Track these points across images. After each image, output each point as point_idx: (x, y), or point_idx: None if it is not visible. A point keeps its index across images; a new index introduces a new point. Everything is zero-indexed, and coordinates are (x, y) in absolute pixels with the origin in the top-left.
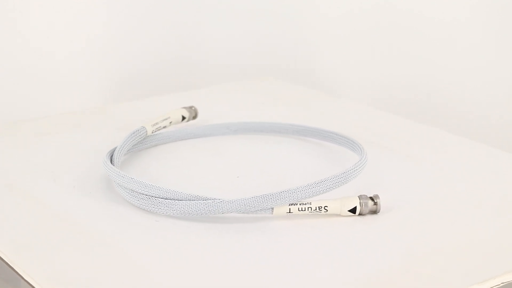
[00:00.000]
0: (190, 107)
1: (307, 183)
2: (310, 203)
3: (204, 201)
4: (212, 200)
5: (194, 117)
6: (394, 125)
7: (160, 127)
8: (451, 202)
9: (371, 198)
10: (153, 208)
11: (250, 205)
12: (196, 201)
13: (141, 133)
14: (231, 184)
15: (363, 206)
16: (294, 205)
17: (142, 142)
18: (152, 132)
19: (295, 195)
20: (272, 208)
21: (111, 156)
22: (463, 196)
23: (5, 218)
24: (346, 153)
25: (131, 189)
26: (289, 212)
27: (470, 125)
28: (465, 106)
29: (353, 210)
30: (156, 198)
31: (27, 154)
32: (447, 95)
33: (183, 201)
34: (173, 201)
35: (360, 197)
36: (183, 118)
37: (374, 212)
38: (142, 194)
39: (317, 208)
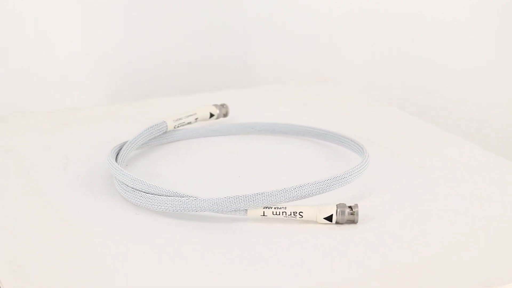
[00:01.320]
0: (222, 105)
1: (284, 187)
2: (285, 208)
3: (180, 198)
4: (187, 198)
5: (225, 115)
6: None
7: (183, 122)
8: (443, 214)
9: (350, 207)
10: (135, 200)
11: (224, 205)
12: (172, 197)
13: (161, 127)
14: (229, 183)
15: (340, 214)
16: (269, 208)
17: (162, 137)
18: (174, 128)
19: (269, 199)
20: (246, 210)
21: (121, 148)
22: (456, 208)
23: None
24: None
25: (119, 180)
26: (263, 215)
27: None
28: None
29: (329, 218)
30: (138, 191)
31: (45, 141)
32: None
33: (161, 196)
34: (153, 195)
35: (338, 205)
36: (211, 115)
37: (352, 221)
38: (128, 186)
39: (292, 213)
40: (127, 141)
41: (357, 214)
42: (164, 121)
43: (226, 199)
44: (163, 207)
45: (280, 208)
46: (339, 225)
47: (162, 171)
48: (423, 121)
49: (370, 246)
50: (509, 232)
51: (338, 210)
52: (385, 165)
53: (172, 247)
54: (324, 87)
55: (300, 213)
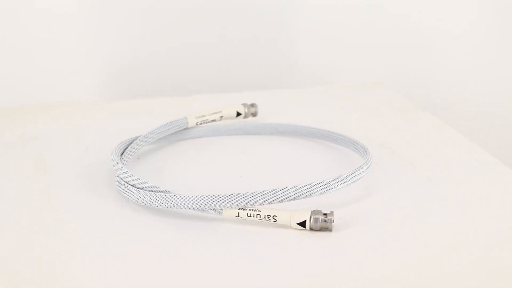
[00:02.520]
0: (251, 104)
1: (260, 190)
2: (260, 211)
3: (161, 194)
4: (166, 194)
5: (254, 115)
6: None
7: (207, 120)
8: (426, 229)
9: (325, 214)
10: (124, 192)
11: (200, 203)
12: (155, 193)
13: (181, 123)
14: (228, 183)
15: (313, 221)
16: (244, 210)
17: (182, 133)
18: (196, 124)
19: (243, 200)
20: (222, 210)
21: (132, 141)
22: (448, 223)
23: None
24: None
25: (116, 173)
26: (238, 216)
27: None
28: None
29: (302, 224)
30: (127, 184)
31: (72, 131)
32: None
33: (145, 191)
34: (138, 189)
35: (312, 211)
36: (238, 114)
37: (326, 229)
38: (120, 178)
39: (266, 217)
40: (140, 135)
41: (331, 222)
42: (186, 117)
43: (201, 197)
44: (145, 201)
45: (255, 211)
46: (313, 232)
47: (167, 166)
48: (455, 130)
49: (335, 256)
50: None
51: (311, 217)
52: (388, 174)
53: (145, 242)
54: (369, 91)
55: (274, 217)
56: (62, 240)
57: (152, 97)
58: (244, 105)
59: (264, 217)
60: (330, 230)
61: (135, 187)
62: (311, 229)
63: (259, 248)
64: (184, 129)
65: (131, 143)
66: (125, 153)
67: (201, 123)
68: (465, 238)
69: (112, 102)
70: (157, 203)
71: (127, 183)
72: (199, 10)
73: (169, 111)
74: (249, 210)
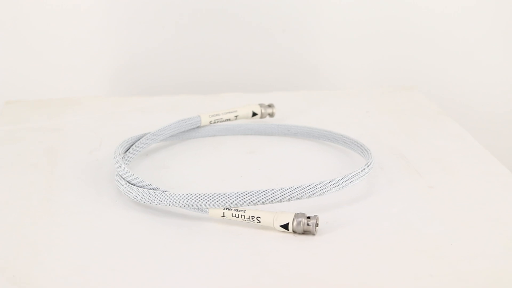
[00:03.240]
0: (269, 105)
1: (245, 190)
2: (245, 211)
3: (151, 190)
4: (156, 191)
5: (271, 115)
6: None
7: (221, 119)
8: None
9: (308, 218)
10: (120, 187)
11: (186, 201)
12: (146, 189)
13: (193, 121)
14: (228, 182)
15: (295, 224)
16: (229, 210)
17: (195, 131)
18: (210, 123)
19: (228, 200)
20: (208, 209)
21: (141, 137)
22: (433, 237)
23: None
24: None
25: (116, 171)
26: (223, 216)
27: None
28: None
29: (285, 226)
30: (122, 179)
31: (94, 125)
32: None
33: (137, 187)
34: (130, 185)
35: (296, 214)
36: (254, 114)
37: (309, 232)
38: (118, 174)
39: (250, 217)
40: (149, 132)
41: (314, 226)
42: (199, 116)
43: (188, 196)
44: (136, 197)
45: (239, 211)
46: (296, 235)
47: (173, 164)
48: (475, 139)
49: (312, 260)
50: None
51: (294, 220)
52: (391, 180)
53: (125, 237)
54: (399, 96)
55: (258, 218)
56: (45, 229)
57: (178, 94)
58: (261, 105)
59: (248, 218)
60: (313, 234)
61: (129, 182)
62: (294, 232)
63: (238, 249)
64: (197, 127)
65: (139, 139)
66: (131, 149)
67: (215, 122)
68: (450, 249)
69: (136, 97)
70: (147, 200)
71: (123, 178)
72: (224, 11)
73: (191, 109)
74: (234, 210)
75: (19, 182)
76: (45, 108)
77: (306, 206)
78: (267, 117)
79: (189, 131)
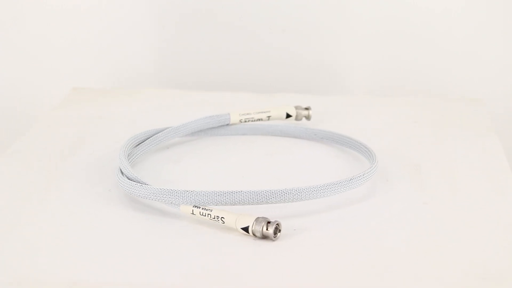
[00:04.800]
0: (305, 108)
1: (214, 190)
2: (211, 211)
3: (135, 183)
4: (138, 184)
5: (307, 118)
6: None
7: (252, 118)
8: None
9: (269, 222)
10: (116, 177)
11: (160, 196)
12: (132, 181)
13: (221, 118)
14: (228, 182)
15: (255, 227)
16: (198, 207)
17: (224, 128)
18: (240, 122)
19: (198, 198)
20: (179, 205)
21: (160, 132)
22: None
23: None
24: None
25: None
26: (193, 213)
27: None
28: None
29: (246, 229)
30: (119, 170)
31: (134, 116)
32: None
33: (126, 178)
34: (122, 176)
35: (257, 218)
36: (288, 116)
37: (267, 237)
38: (119, 169)
39: (216, 217)
40: (171, 126)
41: (273, 232)
42: (229, 114)
43: (161, 190)
44: (123, 188)
45: (207, 210)
46: (257, 239)
47: (186, 159)
48: (506, 158)
49: (263, 265)
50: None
51: (254, 223)
52: (387, 192)
53: (98, 224)
54: (458, 107)
55: (222, 219)
56: (33, 214)
57: (234, 91)
58: (297, 107)
59: (214, 218)
60: (272, 239)
61: (122, 173)
62: (254, 235)
63: (194, 246)
64: (227, 125)
65: (159, 132)
66: (147, 140)
67: (245, 121)
68: (414, 266)
69: (186, 92)
70: (131, 191)
71: (120, 169)
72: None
73: (239, 106)
74: (202, 209)
75: (35, 165)
76: (103, 96)
77: (290, 210)
78: (303, 119)
79: (218, 128)
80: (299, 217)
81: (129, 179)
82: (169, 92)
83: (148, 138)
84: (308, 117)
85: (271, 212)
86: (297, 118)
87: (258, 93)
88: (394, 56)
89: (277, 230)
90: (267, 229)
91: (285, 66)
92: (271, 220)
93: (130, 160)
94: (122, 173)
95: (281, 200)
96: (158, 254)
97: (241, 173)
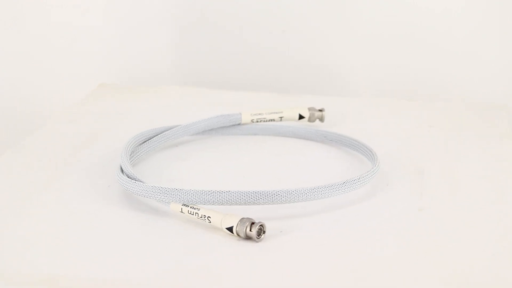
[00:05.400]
0: (319, 109)
1: (202, 189)
2: (199, 209)
3: (131, 180)
4: (133, 181)
5: (321, 120)
6: None
7: (264, 119)
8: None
9: (253, 223)
10: (116, 174)
11: (151, 193)
12: (129, 178)
13: (232, 118)
14: (228, 181)
15: (238, 228)
16: (186, 206)
17: (236, 127)
18: (252, 121)
19: (187, 197)
20: (169, 203)
21: (169, 129)
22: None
23: None
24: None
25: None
26: (182, 211)
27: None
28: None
29: (230, 229)
30: (121, 170)
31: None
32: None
33: (123, 175)
34: (120, 173)
35: (241, 219)
36: (301, 117)
37: (250, 238)
38: (119, 165)
39: (203, 216)
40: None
41: (256, 233)
42: (240, 113)
43: (152, 188)
44: (121, 184)
45: (195, 209)
46: (241, 239)
47: (192, 157)
48: None
49: (243, 266)
50: None
51: (238, 224)
52: (384, 197)
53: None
54: (480, 113)
55: (208, 218)
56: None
57: (257, 91)
58: (310, 108)
59: (201, 217)
60: (255, 241)
61: (121, 169)
62: (238, 235)
63: (176, 245)
64: (238, 124)
65: (168, 130)
66: (155, 138)
67: (257, 121)
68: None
69: (207, 90)
70: (127, 187)
71: (121, 166)
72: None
73: (263, 106)
74: (190, 207)
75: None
76: (125, 93)
77: (283, 211)
78: (317, 121)
79: (230, 127)
80: (291, 218)
81: (127, 176)
82: (190, 90)
83: (156, 135)
84: (321, 119)
85: (265, 213)
86: (310, 120)
87: (277, 93)
88: (403, 58)
89: (261, 231)
90: (250, 230)
91: (303, 67)
92: (255, 221)
93: (136, 157)
94: (121, 169)
95: (268, 202)
96: (139, 250)
97: (244, 173)
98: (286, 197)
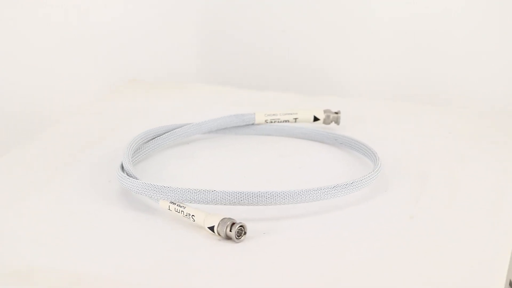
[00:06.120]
0: (335, 112)
1: (189, 188)
2: (185, 208)
3: (126, 177)
4: (128, 177)
5: (336, 123)
6: None
7: (278, 119)
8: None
9: (233, 224)
10: (117, 174)
11: (142, 190)
12: (128, 177)
13: (246, 118)
14: (229, 181)
15: (219, 228)
16: (174, 204)
17: (249, 127)
18: (266, 122)
19: (174, 195)
20: (158, 200)
21: (180, 127)
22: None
23: None
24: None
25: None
26: (169, 209)
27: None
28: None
29: (212, 229)
30: (121, 166)
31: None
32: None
33: (120, 171)
34: (118, 170)
35: (222, 219)
36: (316, 119)
37: (229, 238)
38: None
39: (188, 215)
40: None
41: (236, 233)
42: (254, 113)
43: (143, 184)
44: (118, 180)
45: (181, 207)
46: (222, 239)
47: (200, 155)
48: None
49: (219, 266)
50: None
51: (219, 224)
52: (378, 202)
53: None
54: (504, 121)
55: (192, 216)
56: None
57: (281, 91)
58: (326, 111)
59: (186, 215)
60: (234, 241)
61: (122, 167)
62: (219, 235)
63: (159, 242)
64: (252, 124)
65: (178, 128)
66: (164, 135)
67: (271, 122)
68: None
69: (232, 89)
70: (122, 183)
71: (121, 165)
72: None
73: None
74: (177, 205)
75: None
76: (154, 89)
77: (272, 213)
78: (332, 123)
79: (243, 127)
80: (278, 220)
81: (126, 172)
82: (215, 88)
83: (165, 133)
84: (337, 122)
85: (257, 214)
86: (325, 122)
87: (303, 95)
88: (422, 62)
89: (241, 232)
90: (230, 230)
91: (329, 70)
92: (236, 222)
93: (143, 153)
94: (122, 165)
95: (252, 203)
96: (122, 245)
97: (246, 173)
98: (270, 198)
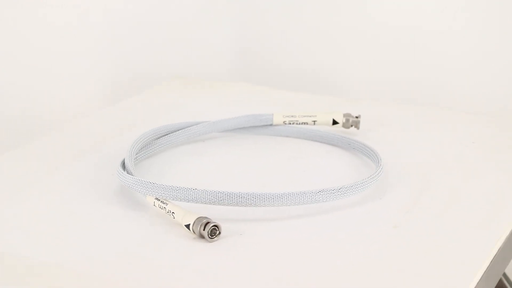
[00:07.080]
0: (355, 116)
1: (174, 185)
2: (167, 204)
3: (122, 172)
4: (122, 172)
5: (356, 126)
6: None
7: (297, 121)
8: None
9: (207, 223)
10: (117, 168)
11: (132, 185)
12: (128, 174)
13: (264, 118)
14: (231, 180)
15: (194, 226)
16: (158, 200)
17: (267, 128)
18: (284, 123)
19: (159, 191)
20: (146, 195)
21: (195, 125)
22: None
23: None
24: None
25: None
26: (154, 205)
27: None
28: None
29: (188, 227)
30: (122, 167)
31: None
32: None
33: (120, 169)
34: (119, 167)
35: (198, 218)
36: (335, 122)
37: (203, 237)
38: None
39: (169, 211)
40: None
41: (209, 233)
42: (272, 114)
43: (133, 179)
44: (120, 178)
45: (164, 203)
46: (197, 237)
47: (209, 153)
48: None
49: (189, 265)
50: None
51: (195, 222)
52: (371, 207)
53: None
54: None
55: (173, 213)
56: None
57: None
58: (345, 114)
59: (168, 212)
60: (207, 240)
61: (122, 164)
62: (194, 233)
63: (137, 236)
64: (270, 125)
65: (194, 125)
66: (177, 132)
67: (290, 123)
68: None
69: (270, 89)
70: (120, 179)
71: (122, 163)
72: None
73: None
74: (161, 202)
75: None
76: (192, 87)
77: (263, 213)
78: (352, 127)
79: (261, 127)
80: (259, 221)
81: (125, 168)
82: (253, 88)
83: (178, 130)
84: (357, 126)
85: (246, 214)
86: (344, 126)
87: (335, 97)
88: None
89: (216, 231)
90: (203, 230)
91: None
92: (211, 221)
93: (153, 149)
94: (123, 161)
95: (232, 203)
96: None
97: (247, 173)
98: (250, 200)
